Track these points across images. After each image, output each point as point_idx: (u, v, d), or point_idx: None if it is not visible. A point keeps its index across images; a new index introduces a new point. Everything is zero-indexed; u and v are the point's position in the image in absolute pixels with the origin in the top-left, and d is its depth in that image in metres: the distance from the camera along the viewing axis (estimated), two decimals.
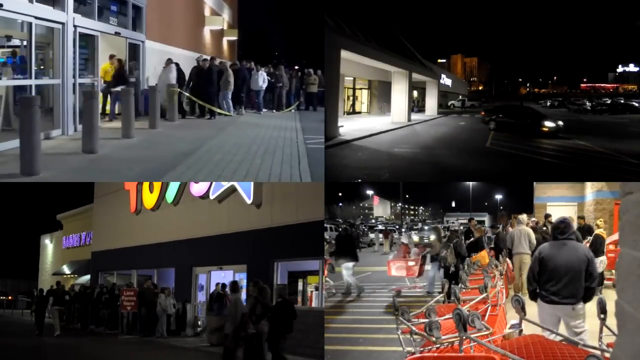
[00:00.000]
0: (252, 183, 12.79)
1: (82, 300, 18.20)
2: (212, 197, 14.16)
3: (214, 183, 14.01)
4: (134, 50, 16.76)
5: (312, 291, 11.85)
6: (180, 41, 20.56)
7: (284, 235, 12.10)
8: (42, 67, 12.09)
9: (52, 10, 11.67)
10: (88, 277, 22.46)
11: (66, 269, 27.01)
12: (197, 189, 14.67)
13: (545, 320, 5.32)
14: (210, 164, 9.96)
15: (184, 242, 15.38)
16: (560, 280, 5.44)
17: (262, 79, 19.74)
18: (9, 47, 11.95)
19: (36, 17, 10.94)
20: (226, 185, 13.57)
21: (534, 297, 5.78)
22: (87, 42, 13.84)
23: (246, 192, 13.04)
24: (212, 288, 14.34)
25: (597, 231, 11.62)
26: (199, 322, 14.52)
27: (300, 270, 12.30)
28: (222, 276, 14.31)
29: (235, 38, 31.22)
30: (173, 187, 15.85)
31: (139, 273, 18.15)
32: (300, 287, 12.20)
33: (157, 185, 16.53)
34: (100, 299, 17.19)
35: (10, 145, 9.80)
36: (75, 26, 12.51)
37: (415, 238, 33.49)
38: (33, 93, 10.69)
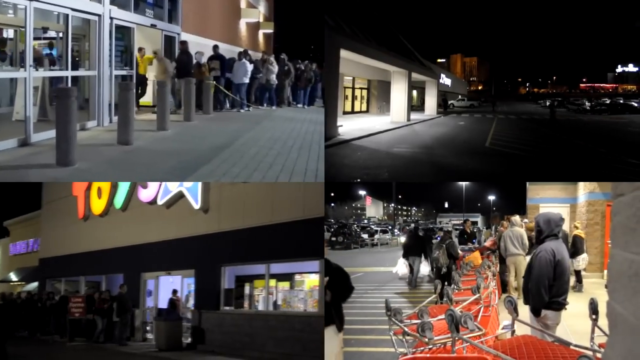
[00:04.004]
0: (199, 188, 12.79)
1: (29, 307, 18.00)
2: (160, 202, 14.07)
3: (162, 189, 13.98)
4: (170, 43, 16.82)
5: (258, 295, 11.91)
6: (215, 34, 20.49)
7: (232, 240, 12.13)
8: (77, 58, 12.19)
9: (89, 2, 11.77)
10: (36, 284, 22.11)
11: (13, 276, 26.59)
12: (146, 194, 14.58)
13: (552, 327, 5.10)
14: (246, 158, 9.94)
15: (133, 247, 15.29)
16: (568, 280, 5.28)
17: (242, 71, 17.62)
18: (45, 39, 12.03)
19: (73, 9, 11.04)
20: (174, 190, 13.56)
21: (539, 309, 5.14)
22: (123, 34, 13.94)
23: (194, 197, 13.01)
24: (161, 294, 14.26)
25: (575, 232, 12.38)
26: (148, 328, 14.46)
27: (248, 275, 12.30)
28: (171, 281, 14.26)
29: (271, 31, 31.19)
30: (121, 193, 15.77)
31: (87, 279, 17.96)
32: (247, 291, 12.21)
33: (105, 191, 16.41)
34: (48, 306, 17.05)
35: (46, 136, 9.90)
36: (111, 18, 12.62)
37: (404, 239, 33.35)
38: (69, 84, 10.81)
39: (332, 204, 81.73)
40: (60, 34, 11.48)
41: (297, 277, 11.43)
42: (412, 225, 49.24)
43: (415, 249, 14.87)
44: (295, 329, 10.30)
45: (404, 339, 4.15)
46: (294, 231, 10.70)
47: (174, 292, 13.36)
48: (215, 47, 17.42)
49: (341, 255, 27.86)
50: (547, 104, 53.36)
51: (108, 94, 12.58)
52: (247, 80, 17.58)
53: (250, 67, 17.79)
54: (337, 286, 5.41)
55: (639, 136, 23.19)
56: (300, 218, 10.49)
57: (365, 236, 37.57)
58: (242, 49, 19.39)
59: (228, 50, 19.38)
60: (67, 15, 10.95)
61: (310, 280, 11.09)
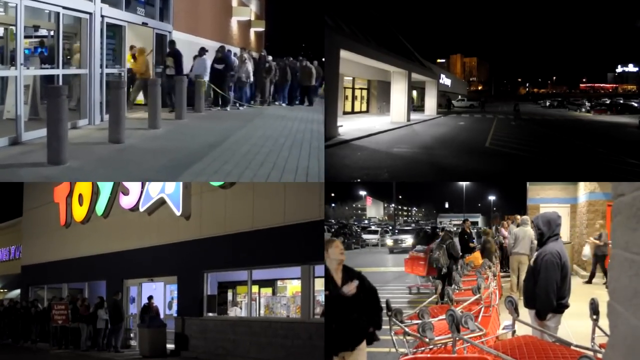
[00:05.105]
0: (180, 195, 12.78)
1: (12, 315, 17.99)
2: (141, 209, 14.04)
3: (143, 195, 13.95)
4: (161, 41, 16.80)
5: (241, 301, 11.93)
6: (207, 32, 20.50)
7: (214, 246, 12.14)
8: (69, 57, 12.19)
9: (80, 0, 11.74)
10: (18, 291, 21.98)
11: None
12: (127, 201, 14.55)
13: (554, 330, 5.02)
14: (237, 156, 9.93)
15: (115, 254, 15.24)
16: (570, 282, 5.22)
17: (202, 68, 16.60)
18: (36, 37, 12.01)
19: (64, 7, 11.02)
20: (155, 197, 13.54)
21: (546, 313, 5.05)
22: (114, 33, 13.92)
23: (175, 204, 12.99)
24: (143, 300, 14.18)
25: None
26: (131, 335, 14.43)
27: (230, 281, 12.32)
28: (153, 288, 14.25)
29: (262, 29, 31.15)
30: (103, 200, 15.72)
31: (69, 286, 17.86)
32: (230, 297, 12.23)
33: (86, 198, 16.38)
34: (33, 314, 17.01)
35: (37, 135, 9.86)
36: (102, 16, 12.59)
37: (389, 242, 32.27)
38: (60, 83, 10.79)
39: (333, 204, 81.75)
40: (52, 32, 11.48)
41: (280, 283, 11.43)
42: (414, 225, 48.99)
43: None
44: (278, 335, 10.28)
45: (404, 339, 4.15)
46: (278, 237, 10.63)
47: (149, 298, 13.35)
48: (171, 43, 16.50)
49: (350, 254, 27.83)
50: (547, 104, 53.45)
51: (99, 92, 12.56)
52: (207, 78, 16.67)
53: (209, 63, 16.90)
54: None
55: (638, 136, 23.19)
56: (288, 223, 10.41)
57: (375, 236, 37.29)
58: (209, 47, 18.55)
59: (229, 50, 19.29)
60: (58, 14, 10.93)
61: (293, 286, 11.07)
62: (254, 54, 20.87)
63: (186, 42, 17.54)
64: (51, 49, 11.53)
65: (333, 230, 34.48)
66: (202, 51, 16.97)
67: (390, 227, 44.69)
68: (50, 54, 11.51)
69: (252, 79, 18.57)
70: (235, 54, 19.04)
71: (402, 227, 47.76)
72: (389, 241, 32.89)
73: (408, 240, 29.51)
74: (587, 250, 13.94)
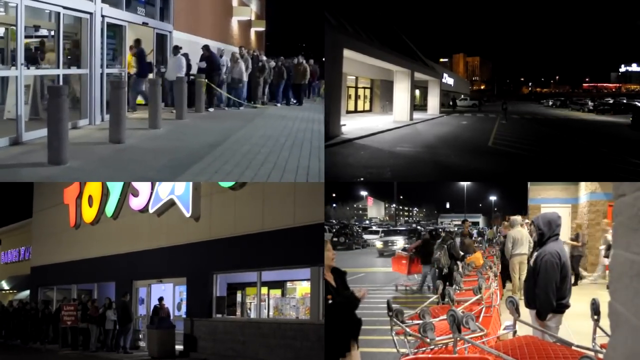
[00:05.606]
0: (190, 196, 12.75)
1: (21, 316, 18.00)
2: (151, 210, 13.96)
3: (153, 197, 13.87)
4: (162, 41, 16.82)
5: (250, 302, 11.90)
6: (207, 32, 20.57)
7: (223, 247, 12.10)
8: (69, 57, 12.20)
9: (80, 0, 11.75)
10: (27, 292, 21.90)
11: (5, 285, 26.51)
12: (137, 203, 14.46)
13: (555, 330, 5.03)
14: (237, 155, 9.93)
15: (124, 255, 15.19)
16: (570, 282, 5.23)
17: (176, 67, 15.96)
18: (37, 37, 12.04)
19: (64, 7, 11.04)
20: (165, 198, 13.47)
21: (546, 314, 5.07)
22: (114, 32, 13.94)
23: (185, 205, 12.95)
24: (153, 302, 14.12)
25: None
26: (140, 336, 14.40)
27: (239, 282, 12.25)
28: (163, 289, 14.21)
29: (262, 29, 31.18)
30: (112, 201, 15.64)
31: (79, 287, 17.79)
32: (239, 298, 12.17)
33: (96, 200, 16.30)
34: (46, 313, 16.99)
35: (38, 135, 9.87)
36: (103, 16, 12.61)
37: (379, 244, 30.42)
38: (61, 83, 10.80)
39: (334, 205, 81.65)
40: (52, 32, 11.49)
41: (289, 285, 11.36)
42: (414, 225, 48.77)
43: None
44: (287, 337, 10.23)
45: (405, 340, 4.15)
46: (287, 238, 10.58)
47: (160, 299, 13.34)
48: (136, 42, 15.31)
49: (343, 255, 27.77)
50: (550, 103, 53.40)
51: (100, 92, 12.56)
52: (181, 76, 15.51)
53: (185, 62, 16.22)
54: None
55: (635, 135, 23.14)
56: (298, 225, 10.33)
57: (376, 236, 36.93)
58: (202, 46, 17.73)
59: (219, 48, 19.32)
60: (58, 14, 10.95)
61: (302, 288, 11.00)
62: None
63: (186, 42, 17.57)
64: (27, 49, 11.56)
65: (334, 230, 34.42)
66: (176, 50, 16.29)
67: (392, 228, 44.58)
68: (32, 54, 11.49)
69: (245, 78, 18.32)
70: (233, 54, 19.05)
71: (401, 227, 47.44)
72: (378, 243, 30.51)
73: (399, 241, 28.64)
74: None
